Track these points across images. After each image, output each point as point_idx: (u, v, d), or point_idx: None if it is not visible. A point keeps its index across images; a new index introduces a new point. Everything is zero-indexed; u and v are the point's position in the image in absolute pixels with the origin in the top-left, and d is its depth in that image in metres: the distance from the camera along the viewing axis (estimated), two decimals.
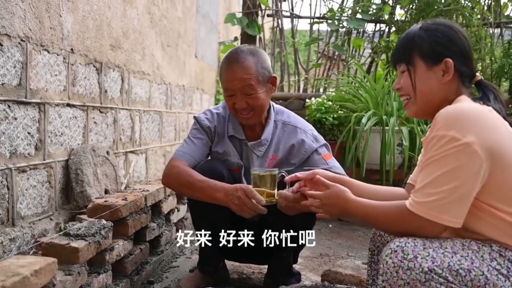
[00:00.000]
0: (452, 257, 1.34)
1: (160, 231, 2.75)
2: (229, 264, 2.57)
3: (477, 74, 1.64)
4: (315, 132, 2.32)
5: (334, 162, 2.28)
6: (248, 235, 2.32)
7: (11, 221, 2.10)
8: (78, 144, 2.67)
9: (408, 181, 1.84)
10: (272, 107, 2.31)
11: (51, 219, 2.36)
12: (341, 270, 2.23)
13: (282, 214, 2.13)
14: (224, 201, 1.97)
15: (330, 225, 4.00)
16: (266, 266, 2.42)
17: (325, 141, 2.31)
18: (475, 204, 1.39)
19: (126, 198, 2.34)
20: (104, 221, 2.03)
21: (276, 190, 1.93)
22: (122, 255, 2.18)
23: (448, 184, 1.36)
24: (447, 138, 1.38)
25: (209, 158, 2.33)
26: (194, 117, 2.35)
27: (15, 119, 2.11)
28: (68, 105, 2.55)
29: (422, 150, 1.66)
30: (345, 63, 5.22)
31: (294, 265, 2.40)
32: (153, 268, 2.60)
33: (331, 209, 1.67)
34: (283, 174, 2.00)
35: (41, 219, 2.30)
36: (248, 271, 2.67)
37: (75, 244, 1.75)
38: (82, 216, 2.25)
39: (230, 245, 2.12)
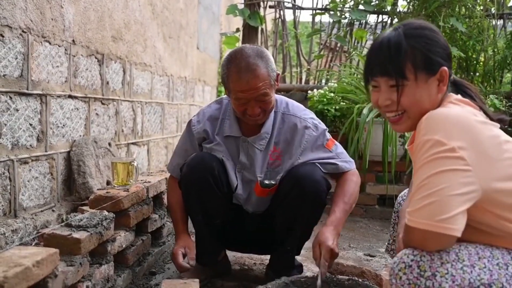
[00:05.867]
0: (472, 272, 1.26)
1: (161, 222, 2.75)
2: (230, 255, 2.58)
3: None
4: (315, 120, 2.28)
5: (338, 148, 2.26)
6: (249, 227, 2.35)
7: (13, 213, 2.11)
8: (80, 135, 2.67)
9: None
10: None
11: (53, 210, 2.37)
12: (342, 262, 2.24)
13: (287, 207, 2.14)
14: None
15: None
16: (268, 257, 2.43)
17: (325, 126, 2.28)
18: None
19: (128, 189, 2.34)
20: (106, 212, 2.03)
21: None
22: (124, 246, 2.19)
23: (436, 187, 1.27)
24: (431, 142, 1.31)
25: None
26: (189, 121, 2.35)
27: (17, 110, 2.11)
28: (70, 96, 2.55)
29: (410, 157, 1.59)
30: (347, 55, 5.20)
31: (296, 257, 2.40)
32: (155, 259, 2.61)
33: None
34: (265, 182, 2.19)
35: (43, 210, 2.31)
36: (249, 262, 2.67)
37: (77, 235, 1.76)
38: (84, 208, 2.25)
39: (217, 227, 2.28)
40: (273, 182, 2.21)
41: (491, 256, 1.30)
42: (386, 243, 1.98)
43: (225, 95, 2.29)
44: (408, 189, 1.86)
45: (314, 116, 2.31)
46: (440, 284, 1.25)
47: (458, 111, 1.41)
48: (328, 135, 2.27)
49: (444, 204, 1.25)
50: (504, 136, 1.41)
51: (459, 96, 1.51)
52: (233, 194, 2.27)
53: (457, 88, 1.57)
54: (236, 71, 2.05)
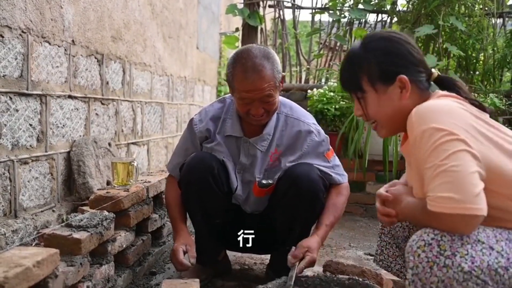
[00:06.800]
0: (490, 254, 1.28)
1: (162, 222, 2.75)
2: (230, 255, 2.58)
3: (433, 70, 1.60)
4: (318, 126, 2.30)
5: (335, 160, 2.29)
6: (249, 228, 2.35)
7: (14, 213, 2.11)
8: (80, 135, 2.67)
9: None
10: None
11: (53, 210, 2.37)
12: (343, 261, 2.23)
13: (285, 207, 2.14)
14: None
15: None
16: (268, 257, 2.43)
17: (326, 135, 2.30)
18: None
19: (128, 189, 2.34)
20: (106, 213, 2.03)
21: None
22: (124, 246, 2.19)
23: (451, 170, 1.29)
24: (429, 131, 1.34)
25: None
26: (190, 119, 2.33)
27: (17, 111, 2.11)
28: (70, 96, 2.55)
29: (405, 157, 1.64)
30: None
31: None
32: (155, 259, 2.61)
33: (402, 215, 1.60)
34: (263, 182, 2.18)
35: (43, 210, 2.31)
36: (250, 262, 2.67)
37: (77, 235, 1.75)
38: (84, 208, 2.25)
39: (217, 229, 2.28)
40: (271, 182, 2.21)
41: (508, 239, 1.32)
42: (375, 253, 1.99)
43: (228, 95, 2.29)
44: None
45: (316, 122, 2.33)
46: (459, 264, 1.26)
47: (442, 101, 1.46)
48: (328, 146, 2.29)
49: (464, 185, 1.28)
50: (490, 120, 1.46)
51: (444, 92, 1.55)
52: (232, 194, 2.27)
53: (443, 84, 1.61)
54: (242, 70, 2.04)
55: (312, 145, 2.23)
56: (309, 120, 2.29)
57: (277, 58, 2.13)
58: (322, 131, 2.29)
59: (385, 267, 1.92)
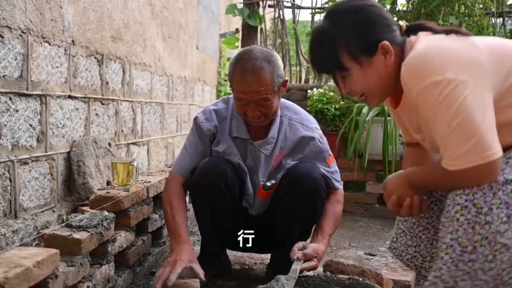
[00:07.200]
0: None
1: (162, 222, 2.75)
2: (231, 254, 2.58)
3: (401, 23, 1.58)
4: (320, 131, 2.30)
5: (334, 167, 2.30)
6: (250, 229, 2.34)
7: (14, 213, 2.11)
8: (80, 136, 2.67)
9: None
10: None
11: (53, 211, 2.37)
12: (343, 261, 2.23)
13: (286, 205, 2.14)
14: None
15: None
16: (268, 256, 2.43)
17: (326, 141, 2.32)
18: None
19: (128, 189, 2.34)
20: (106, 213, 2.03)
21: None
22: (124, 246, 2.19)
23: (464, 123, 1.30)
24: (427, 88, 1.35)
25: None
26: (195, 118, 2.30)
27: (17, 111, 2.11)
28: (70, 97, 2.55)
29: (399, 118, 1.63)
30: None
31: None
32: (156, 259, 2.61)
33: (398, 189, 1.60)
34: (267, 184, 2.18)
35: (44, 211, 2.31)
36: (250, 262, 2.68)
37: (77, 235, 1.75)
38: (84, 208, 2.25)
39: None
40: (274, 182, 2.21)
41: None
42: (390, 241, 1.97)
43: (229, 96, 2.29)
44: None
45: (318, 125, 2.33)
46: (498, 215, 1.28)
47: (423, 45, 1.44)
48: (330, 152, 2.30)
49: (477, 134, 1.29)
50: (477, 38, 1.47)
51: (418, 34, 1.53)
52: (243, 197, 2.28)
53: (415, 31, 1.57)
54: (241, 71, 2.03)
55: (314, 150, 2.24)
56: (313, 124, 2.29)
57: (280, 63, 2.11)
58: (324, 137, 2.30)
59: (397, 256, 1.89)
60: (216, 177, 2.13)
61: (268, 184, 2.20)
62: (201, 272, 1.97)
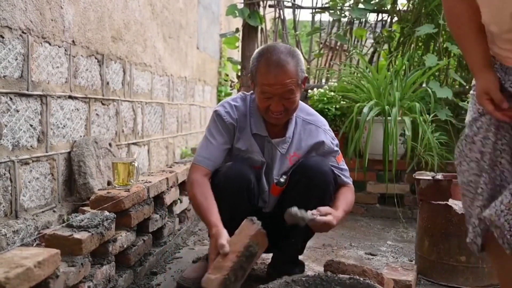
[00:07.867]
0: None
1: (163, 222, 2.75)
2: None
3: None
4: (332, 132, 2.34)
5: (344, 165, 2.33)
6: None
7: (15, 213, 2.11)
8: (81, 136, 2.67)
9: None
10: None
11: (54, 211, 2.37)
12: (344, 260, 2.23)
13: (293, 199, 2.14)
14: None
15: None
16: (269, 256, 2.43)
17: (337, 141, 2.35)
18: None
19: (128, 189, 2.34)
20: (107, 213, 2.03)
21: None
22: (125, 246, 2.19)
23: None
24: None
25: (232, 154, 2.29)
26: (215, 111, 2.27)
27: (17, 111, 2.11)
28: (70, 97, 2.55)
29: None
30: (347, 53, 5.19)
31: (299, 257, 2.41)
32: (156, 259, 2.61)
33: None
34: (281, 180, 2.20)
35: (44, 211, 2.31)
36: None
37: (78, 235, 1.76)
38: (85, 208, 2.25)
39: None
40: (285, 177, 2.24)
41: None
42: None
43: (246, 92, 2.32)
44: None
45: (328, 126, 2.36)
46: None
47: None
48: (339, 151, 2.33)
49: None
50: None
51: None
52: (259, 196, 2.29)
53: None
54: (266, 64, 2.06)
55: (327, 152, 2.28)
56: (326, 126, 2.33)
57: (302, 58, 2.15)
58: (336, 138, 2.34)
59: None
60: (240, 185, 2.12)
61: (282, 180, 2.23)
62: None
